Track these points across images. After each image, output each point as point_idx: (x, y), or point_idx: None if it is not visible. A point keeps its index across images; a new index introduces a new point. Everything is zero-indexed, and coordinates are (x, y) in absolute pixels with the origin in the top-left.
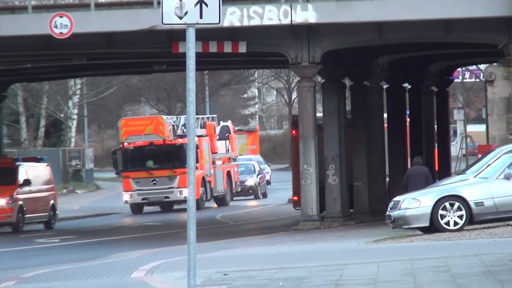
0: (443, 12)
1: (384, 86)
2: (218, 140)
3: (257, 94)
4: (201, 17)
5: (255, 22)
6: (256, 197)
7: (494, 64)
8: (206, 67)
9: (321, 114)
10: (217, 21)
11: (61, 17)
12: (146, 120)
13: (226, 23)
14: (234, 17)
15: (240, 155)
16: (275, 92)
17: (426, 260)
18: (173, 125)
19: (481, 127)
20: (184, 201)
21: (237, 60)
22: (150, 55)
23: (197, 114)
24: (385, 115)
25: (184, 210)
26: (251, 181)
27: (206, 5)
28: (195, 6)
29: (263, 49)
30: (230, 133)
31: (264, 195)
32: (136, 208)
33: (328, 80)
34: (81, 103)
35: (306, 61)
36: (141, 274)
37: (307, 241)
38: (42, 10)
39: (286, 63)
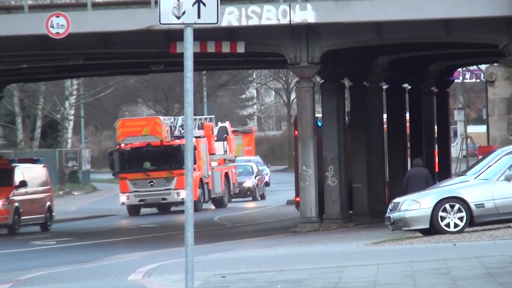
0: (443, 12)
1: (384, 87)
2: (216, 141)
3: (255, 95)
4: (199, 17)
5: (254, 22)
6: (254, 199)
7: (495, 64)
8: (204, 67)
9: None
10: (215, 21)
11: (57, 16)
12: (143, 121)
13: (224, 23)
14: (232, 17)
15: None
16: (273, 93)
17: (426, 262)
18: (171, 126)
19: (482, 128)
20: (181, 202)
21: (235, 61)
22: (148, 55)
23: (195, 115)
24: (385, 116)
25: (182, 212)
26: (249, 182)
27: (204, 4)
28: (193, 6)
29: (262, 49)
30: (228, 134)
31: (262, 197)
32: (133, 210)
33: (327, 81)
34: (78, 104)
35: (305, 61)
36: (138, 276)
37: (306, 243)
38: (39, 10)
39: (285, 64)
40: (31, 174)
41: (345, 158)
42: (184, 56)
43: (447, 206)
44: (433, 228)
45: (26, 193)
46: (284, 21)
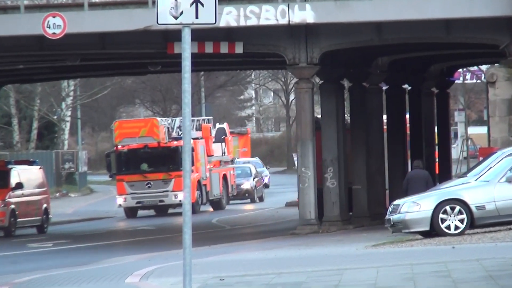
0: (443, 12)
1: (384, 87)
2: (214, 142)
3: (254, 96)
4: (196, 17)
5: (252, 22)
6: (253, 201)
7: (496, 65)
8: (202, 68)
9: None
10: (213, 21)
11: (54, 17)
12: (140, 122)
13: (222, 23)
14: (230, 17)
15: None
16: (272, 94)
17: (427, 265)
18: (168, 127)
19: (483, 129)
20: (179, 205)
21: (233, 61)
22: (145, 56)
23: (192, 116)
24: (385, 117)
25: (179, 214)
26: (247, 184)
27: (202, 4)
28: (190, 6)
29: (260, 49)
30: (226, 135)
31: (261, 199)
32: (130, 212)
33: (326, 81)
34: (75, 105)
35: (304, 62)
36: (136, 279)
37: (305, 246)
38: (35, 10)
39: (284, 64)
40: (27, 176)
41: (344, 160)
42: (181, 56)
43: (447, 208)
44: (434, 230)
45: (22, 195)
46: (283, 21)
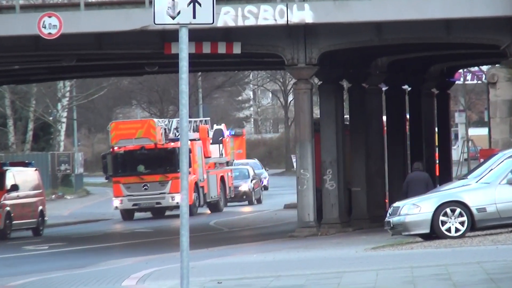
0: (443, 12)
1: (383, 88)
2: (211, 144)
3: (252, 97)
4: (194, 17)
5: (250, 22)
6: (250, 203)
7: (497, 65)
8: (199, 68)
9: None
10: (211, 21)
11: (49, 17)
12: (137, 123)
13: (220, 23)
14: (228, 17)
15: None
16: (270, 95)
17: (427, 268)
18: (165, 129)
19: (483, 131)
20: (176, 207)
21: (231, 62)
22: (142, 56)
23: (190, 117)
24: (384, 118)
25: (177, 216)
26: (245, 186)
27: (200, 4)
28: (188, 6)
29: (258, 50)
30: (223, 136)
31: (259, 201)
32: (127, 214)
33: (325, 82)
34: (71, 106)
35: (303, 63)
36: (133, 282)
37: (304, 248)
38: (30, 10)
39: (282, 65)
40: (23, 178)
41: (344, 162)
42: (179, 57)
43: (448, 210)
44: (434, 233)
45: (18, 197)
46: (281, 21)
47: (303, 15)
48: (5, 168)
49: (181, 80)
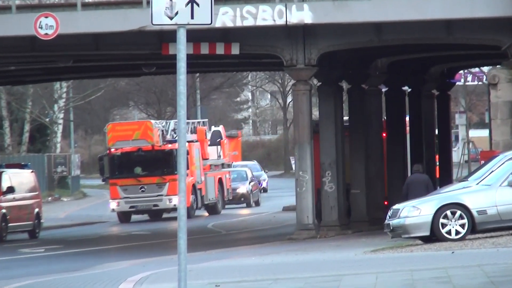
0: (444, 12)
1: (383, 89)
2: (209, 145)
3: (250, 98)
4: (192, 18)
5: (249, 22)
6: (248, 205)
7: (498, 66)
8: (197, 69)
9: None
10: (209, 22)
11: (46, 17)
12: (134, 124)
13: (218, 24)
14: (226, 17)
15: None
16: (269, 96)
17: (427, 271)
18: (162, 130)
19: (484, 132)
20: (173, 209)
21: (229, 62)
22: (139, 57)
23: (187, 119)
24: (384, 120)
25: (174, 218)
26: (243, 188)
27: (198, 5)
28: (186, 6)
29: (257, 50)
30: (222, 138)
31: (257, 203)
32: (124, 217)
33: (324, 83)
34: (67, 107)
35: (302, 63)
36: (130, 285)
37: (303, 251)
38: (27, 10)
39: (281, 66)
40: (19, 180)
41: (343, 163)
42: (177, 57)
43: (448, 212)
44: (434, 236)
45: (14, 199)
46: (280, 21)
47: (302, 16)
48: (1, 170)
49: (179, 81)
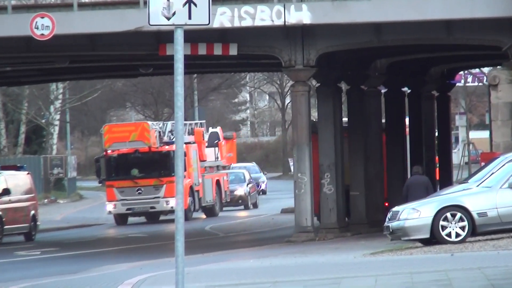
0: (444, 13)
1: (382, 91)
2: (207, 147)
3: (248, 99)
4: (189, 18)
5: (247, 23)
6: (246, 207)
7: (498, 67)
8: (195, 70)
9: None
10: (207, 22)
11: (42, 17)
12: (130, 126)
13: (216, 24)
14: (224, 17)
15: None
16: (267, 97)
17: (427, 274)
18: (159, 132)
19: (484, 134)
20: (171, 211)
21: (227, 63)
22: (136, 58)
23: (185, 120)
24: (383, 121)
25: (171, 221)
26: (241, 190)
27: (195, 5)
28: (183, 6)
29: (255, 51)
30: (219, 140)
31: (255, 205)
32: (120, 219)
33: (323, 84)
34: (64, 108)
35: (300, 64)
36: None
37: (301, 254)
38: (22, 10)
39: (279, 66)
40: (14, 182)
41: (342, 165)
42: (174, 58)
43: (448, 215)
44: (434, 238)
45: (10, 202)
46: (279, 22)
47: (300, 16)
48: None
49: (176, 82)
